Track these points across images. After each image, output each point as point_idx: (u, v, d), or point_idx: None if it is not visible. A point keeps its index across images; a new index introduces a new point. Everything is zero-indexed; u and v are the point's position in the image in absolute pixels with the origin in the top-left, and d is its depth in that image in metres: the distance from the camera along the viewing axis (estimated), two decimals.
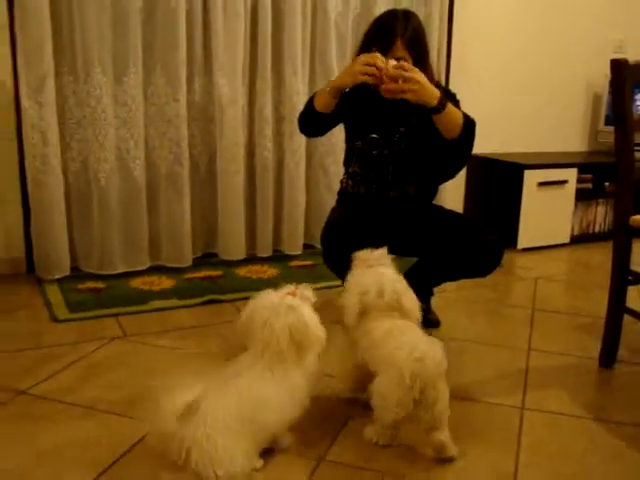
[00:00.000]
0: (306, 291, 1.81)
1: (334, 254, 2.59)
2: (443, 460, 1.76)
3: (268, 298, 1.76)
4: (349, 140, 2.67)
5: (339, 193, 2.76)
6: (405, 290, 2.01)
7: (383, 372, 1.79)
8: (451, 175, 2.67)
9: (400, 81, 2.20)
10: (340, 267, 2.66)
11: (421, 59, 2.44)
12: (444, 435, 1.75)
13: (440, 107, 2.25)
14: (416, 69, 2.23)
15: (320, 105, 2.41)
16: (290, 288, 1.80)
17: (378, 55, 2.27)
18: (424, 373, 1.66)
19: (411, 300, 2.00)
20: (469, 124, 2.36)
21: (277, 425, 1.72)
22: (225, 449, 1.61)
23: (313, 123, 2.53)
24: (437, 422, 1.73)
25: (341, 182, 2.75)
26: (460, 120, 2.33)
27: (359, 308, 1.97)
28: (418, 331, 1.89)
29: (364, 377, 1.96)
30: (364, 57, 2.28)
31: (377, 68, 2.23)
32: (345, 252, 2.56)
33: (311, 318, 1.75)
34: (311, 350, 1.77)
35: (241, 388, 1.69)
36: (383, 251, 2.08)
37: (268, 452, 1.77)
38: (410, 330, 1.88)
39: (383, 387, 1.75)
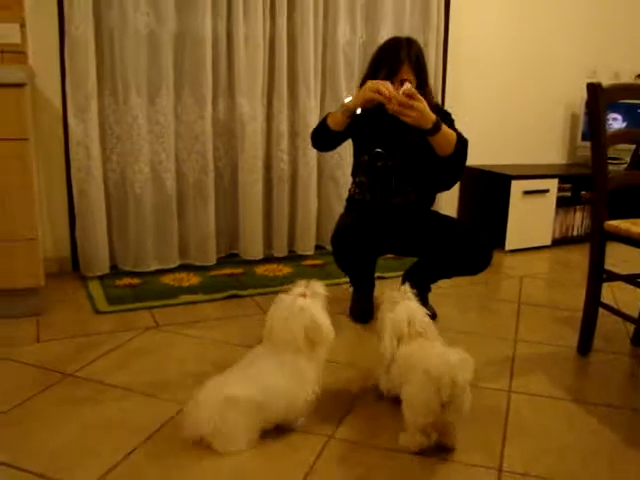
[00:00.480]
0: (317, 287, 1.81)
1: (343, 254, 2.61)
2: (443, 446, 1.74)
3: (284, 302, 1.77)
4: (356, 154, 2.68)
5: (347, 200, 2.77)
6: (428, 319, 1.95)
7: (412, 378, 1.71)
8: (447, 187, 2.67)
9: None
10: (348, 265, 2.68)
11: (423, 81, 2.47)
12: (452, 436, 1.73)
13: (434, 130, 2.27)
14: (421, 98, 2.23)
15: (333, 124, 2.43)
16: (302, 288, 1.80)
17: (384, 83, 2.28)
18: (452, 377, 1.57)
19: (432, 325, 1.95)
20: (461, 144, 2.37)
21: (287, 410, 1.73)
22: (235, 428, 1.65)
23: (326, 139, 2.54)
24: (455, 424, 1.70)
25: (349, 191, 2.76)
26: (453, 140, 2.34)
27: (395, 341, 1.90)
28: (445, 347, 1.81)
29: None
30: (372, 84, 2.29)
31: (382, 94, 2.24)
32: (352, 252, 2.58)
33: (321, 317, 1.76)
34: (322, 345, 1.78)
35: (256, 375, 1.71)
36: (406, 287, 2.01)
37: (282, 430, 1.78)
38: (438, 346, 1.83)
39: (412, 390, 1.69)
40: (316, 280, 1.86)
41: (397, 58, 2.41)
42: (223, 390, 1.67)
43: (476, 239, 2.53)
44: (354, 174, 2.71)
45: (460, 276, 2.72)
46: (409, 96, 2.21)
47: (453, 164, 2.41)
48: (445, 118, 2.50)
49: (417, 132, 2.37)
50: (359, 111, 2.39)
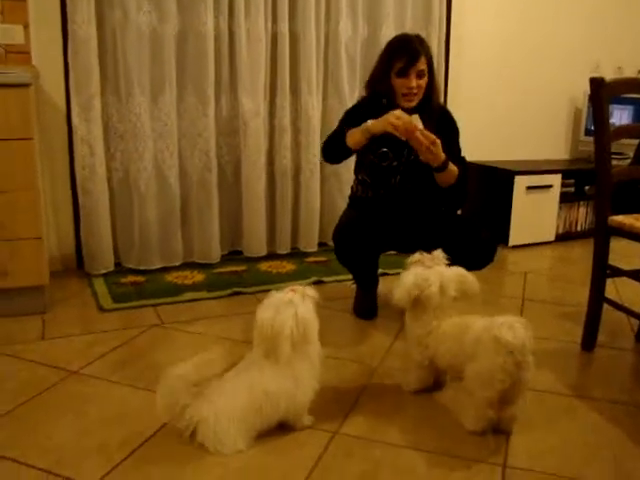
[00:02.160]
0: (308, 290, 1.79)
1: (345, 250, 2.61)
2: (503, 432, 1.79)
3: (270, 298, 1.75)
4: (361, 153, 2.66)
5: (350, 197, 2.77)
6: (467, 276, 1.98)
7: (479, 351, 1.72)
8: (455, 209, 2.76)
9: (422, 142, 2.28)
10: (350, 262, 2.68)
11: (433, 76, 2.51)
12: (516, 409, 1.76)
13: (440, 169, 2.38)
14: (438, 142, 2.30)
15: (353, 143, 2.44)
16: (293, 286, 1.79)
17: (410, 120, 2.30)
18: (519, 337, 1.63)
19: (475, 283, 1.98)
20: (462, 176, 2.48)
21: (286, 411, 1.74)
22: (228, 432, 1.66)
23: (341, 155, 2.56)
24: (521, 392, 1.72)
25: (352, 188, 2.76)
26: (455, 175, 2.45)
27: (414, 297, 1.92)
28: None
29: (429, 374, 1.99)
30: (397, 118, 2.30)
31: (400, 130, 2.29)
32: (354, 249, 2.58)
33: (307, 312, 1.73)
34: (309, 342, 1.75)
35: (252, 381, 1.71)
36: (438, 252, 2.03)
37: (288, 427, 1.79)
38: (484, 317, 1.83)
39: (483, 362, 1.70)
40: (309, 285, 1.85)
41: (414, 49, 2.42)
42: (221, 393, 1.69)
43: (479, 235, 2.54)
44: (357, 171, 2.71)
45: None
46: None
47: (454, 192, 2.52)
48: (451, 131, 2.53)
49: (425, 127, 2.40)
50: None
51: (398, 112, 2.34)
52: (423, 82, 2.46)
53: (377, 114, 2.42)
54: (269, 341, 1.68)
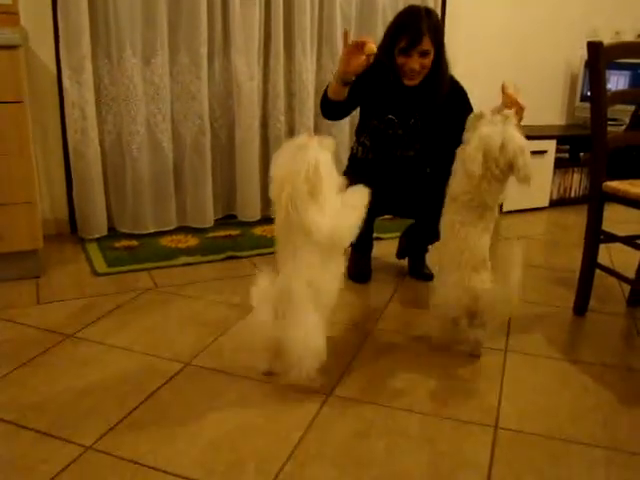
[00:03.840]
0: (326, 140, 1.74)
1: None
2: (474, 356, 1.97)
3: (288, 143, 1.71)
4: (365, 115, 2.61)
5: (349, 158, 2.75)
6: (524, 149, 1.95)
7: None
8: None
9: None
10: None
11: (441, 51, 2.42)
12: (481, 334, 1.91)
13: None
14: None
15: (332, 94, 2.36)
16: (308, 134, 1.74)
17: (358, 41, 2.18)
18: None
19: (527, 160, 1.95)
20: None
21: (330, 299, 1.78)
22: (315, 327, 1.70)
23: (330, 110, 2.47)
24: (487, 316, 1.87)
25: (351, 149, 2.75)
26: None
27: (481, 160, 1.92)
28: None
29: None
30: (347, 47, 2.20)
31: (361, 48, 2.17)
32: None
33: (323, 158, 1.68)
34: (323, 192, 1.70)
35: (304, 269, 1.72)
36: (510, 112, 2.00)
37: (282, 391, 1.81)
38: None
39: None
40: (327, 136, 1.79)
41: (418, 29, 2.32)
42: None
43: None
44: (358, 133, 2.69)
45: None
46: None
47: None
48: (464, 107, 2.47)
49: (431, 102, 2.37)
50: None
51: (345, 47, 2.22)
52: (427, 60, 2.37)
53: (382, 86, 2.39)
54: (282, 188, 1.65)
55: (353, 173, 2.64)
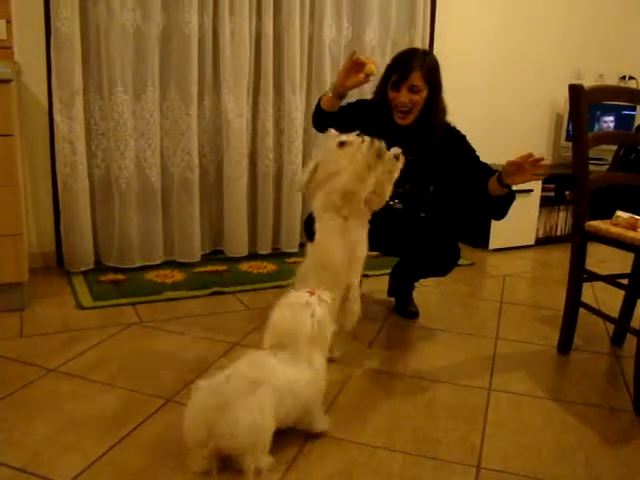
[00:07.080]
0: (324, 294, 1.78)
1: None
2: None
3: (288, 298, 1.75)
4: None
5: None
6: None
7: None
8: (500, 216, 2.67)
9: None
10: None
11: (436, 93, 2.45)
12: None
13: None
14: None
15: (325, 104, 2.41)
16: (310, 289, 1.78)
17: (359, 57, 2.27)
18: None
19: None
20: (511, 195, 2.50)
21: (308, 400, 1.72)
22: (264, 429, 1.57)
23: (320, 119, 2.48)
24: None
25: None
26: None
27: None
28: None
29: None
30: (350, 62, 2.28)
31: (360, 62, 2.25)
32: None
33: (324, 315, 1.73)
34: (322, 344, 1.75)
35: (270, 374, 1.63)
36: (398, 150, 2.06)
37: None
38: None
39: None
40: (325, 290, 1.82)
41: (409, 65, 2.38)
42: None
43: (444, 242, 2.56)
44: None
45: (433, 277, 2.80)
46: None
47: (502, 201, 2.52)
48: (463, 148, 2.54)
49: (423, 143, 2.42)
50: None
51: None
52: (418, 97, 2.40)
53: (377, 124, 2.40)
54: (287, 339, 1.68)
55: None
